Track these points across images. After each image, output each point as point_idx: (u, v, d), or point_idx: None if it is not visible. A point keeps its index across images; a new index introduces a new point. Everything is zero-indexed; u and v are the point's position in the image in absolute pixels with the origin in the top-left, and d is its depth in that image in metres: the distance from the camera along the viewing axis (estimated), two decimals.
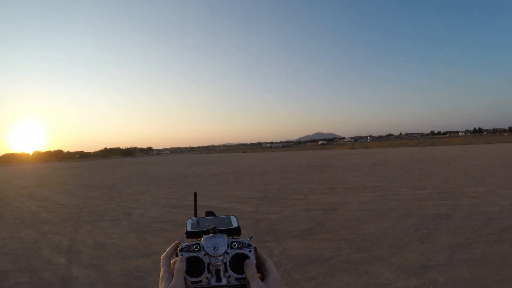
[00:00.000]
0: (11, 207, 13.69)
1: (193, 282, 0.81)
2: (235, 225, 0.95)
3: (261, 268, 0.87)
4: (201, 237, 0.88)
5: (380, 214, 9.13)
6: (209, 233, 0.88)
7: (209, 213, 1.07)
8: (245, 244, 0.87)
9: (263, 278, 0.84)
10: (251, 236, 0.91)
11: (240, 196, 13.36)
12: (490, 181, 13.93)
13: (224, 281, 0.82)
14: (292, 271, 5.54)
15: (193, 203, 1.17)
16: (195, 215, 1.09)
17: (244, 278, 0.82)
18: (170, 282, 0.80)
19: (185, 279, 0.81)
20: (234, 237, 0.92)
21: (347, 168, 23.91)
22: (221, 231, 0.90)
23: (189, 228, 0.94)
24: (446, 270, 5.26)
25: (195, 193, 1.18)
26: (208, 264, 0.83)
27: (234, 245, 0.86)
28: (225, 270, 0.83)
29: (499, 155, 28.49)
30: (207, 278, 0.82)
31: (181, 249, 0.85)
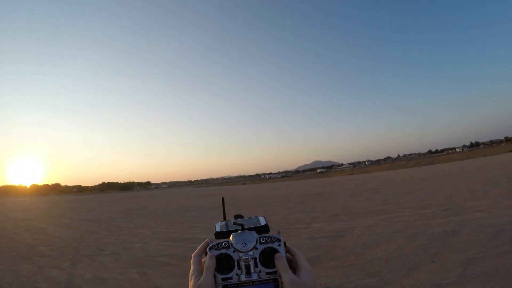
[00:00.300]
0: (8, 239, 13.38)
1: (223, 279, 0.83)
2: (263, 223, 0.99)
3: (291, 262, 0.88)
4: (230, 236, 0.91)
5: (386, 237, 9.00)
6: (237, 231, 0.91)
7: (238, 216, 1.10)
8: (274, 238, 0.88)
9: (294, 271, 0.85)
10: (279, 231, 0.93)
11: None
12: (494, 192, 13.89)
13: (254, 276, 0.83)
14: None
15: (222, 207, 1.20)
16: (224, 218, 1.12)
17: (274, 272, 0.83)
18: (199, 279, 0.82)
19: (215, 276, 0.82)
20: (262, 234, 0.93)
21: (348, 194, 23.78)
22: (249, 229, 0.92)
23: (218, 229, 0.98)
24: (460, 286, 5.14)
25: (223, 198, 1.23)
26: (238, 260, 0.84)
27: (263, 239, 0.88)
28: (255, 265, 0.84)
29: (499, 166, 28.57)
30: (237, 274, 0.83)
31: (210, 248, 0.88)
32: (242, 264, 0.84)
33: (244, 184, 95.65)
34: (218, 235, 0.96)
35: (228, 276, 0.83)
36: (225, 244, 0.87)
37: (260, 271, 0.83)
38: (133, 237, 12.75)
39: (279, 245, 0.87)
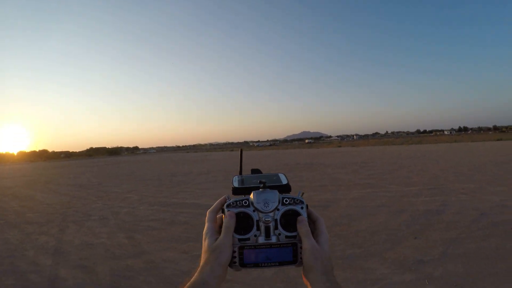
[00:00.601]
0: None
1: (240, 240, 0.78)
2: (284, 182, 0.90)
3: (311, 226, 0.83)
4: (249, 194, 0.84)
5: (371, 210, 9.22)
6: (258, 189, 0.84)
7: (255, 171, 1.04)
8: (297, 200, 0.83)
9: (314, 236, 0.80)
10: (303, 193, 0.87)
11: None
12: (479, 178, 14.20)
13: (273, 239, 0.78)
14: (287, 269, 5.55)
15: (239, 160, 1.12)
16: (240, 172, 1.05)
17: (294, 237, 0.79)
18: (216, 239, 0.78)
19: (232, 236, 0.77)
20: (284, 194, 0.86)
21: (336, 166, 24.07)
22: (271, 187, 0.85)
23: (236, 184, 0.90)
24: (441, 264, 5.34)
25: (241, 150, 1.15)
26: (257, 221, 0.79)
27: (286, 201, 0.82)
28: (275, 228, 0.79)
29: (486, 153, 29.07)
30: (255, 235, 0.78)
31: (228, 205, 0.82)
32: (262, 225, 0.79)
33: (232, 151, 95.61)
34: (237, 191, 0.88)
35: (245, 236, 0.78)
36: (245, 202, 0.81)
37: (279, 234, 0.79)
38: (121, 202, 12.82)
39: (302, 207, 0.82)
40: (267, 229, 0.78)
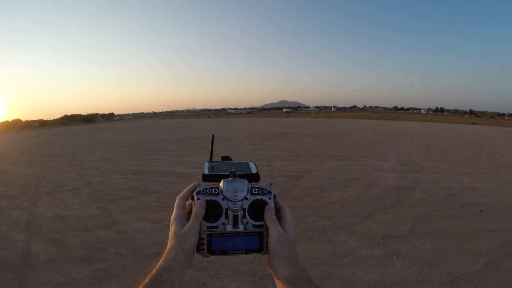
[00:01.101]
0: None
1: (208, 227, 0.80)
2: (254, 170, 0.91)
3: (277, 214, 0.85)
4: (219, 181, 0.85)
5: (344, 183, 9.29)
6: (228, 177, 0.85)
7: (226, 158, 1.05)
8: (266, 190, 0.85)
9: (280, 224, 0.82)
10: (271, 183, 0.89)
11: (203, 162, 13.07)
12: (451, 158, 14.52)
13: (241, 228, 0.81)
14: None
15: (210, 145, 1.11)
16: (211, 158, 1.05)
17: (261, 226, 0.82)
18: (183, 226, 0.79)
19: (200, 224, 0.79)
20: (253, 183, 0.87)
21: (311, 136, 24.17)
22: (241, 176, 0.86)
23: (206, 171, 0.90)
24: (409, 241, 5.43)
25: (213, 136, 1.14)
26: (226, 209, 0.81)
27: (255, 190, 0.84)
28: (243, 216, 0.81)
29: (460, 135, 29.79)
30: (223, 223, 0.80)
31: (198, 192, 0.82)
32: (230, 213, 0.81)
33: (209, 117, 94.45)
34: (206, 178, 0.89)
35: (214, 224, 0.80)
36: (214, 190, 0.82)
37: (247, 223, 0.81)
38: (94, 171, 12.60)
39: (270, 198, 0.84)
40: (235, 217, 0.81)
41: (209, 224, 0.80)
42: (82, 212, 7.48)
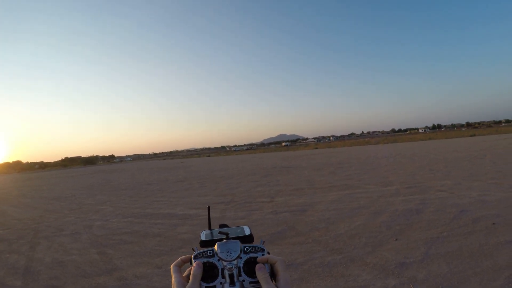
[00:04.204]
0: None
1: (207, 287, 0.83)
2: (247, 233, 1.00)
3: (272, 268, 0.88)
4: (215, 245, 0.91)
5: (350, 213, 9.09)
6: (222, 240, 0.92)
7: (223, 225, 1.10)
8: (258, 248, 0.90)
9: (275, 279, 0.85)
10: (264, 241, 0.95)
11: (205, 202, 13.02)
12: (455, 174, 14.39)
13: (238, 286, 0.83)
14: None
15: (207, 216, 1.19)
16: (209, 227, 1.12)
17: (258, 282, 0.84)
18: (184, 286, 0.82)
19: (200, 284, 0.82)
20: (247, 243, 0.94)
21: (312, 168, 24.05)
22: (234, 238, 0.94)
23: (203, 238, 0.99)
24: (424, 266, 5.20)
25: (208, 207, 1.22)
26: (222, 269, 0.85)
27: (247, 249, 0.89)
28: (239, 275, 0.85)
29: (460, 149, 29.76)
30: (221, 283, 0.83)
31: (195, 256, 0.88)
32: (226, 273, 0.85)
33: (209, 156, 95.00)
34: (203, 243, 0.97)
35: (212, 284, 0.83)
36: (209, 252, 0.88)
37: (243, 280, 0.84)
38: (94, 214, 12.61)
39: (263, 255, 0.88)
40: (231, 276, 0.84)
41: (207, 285, 0.83)
42: (81, 257, 7.36)
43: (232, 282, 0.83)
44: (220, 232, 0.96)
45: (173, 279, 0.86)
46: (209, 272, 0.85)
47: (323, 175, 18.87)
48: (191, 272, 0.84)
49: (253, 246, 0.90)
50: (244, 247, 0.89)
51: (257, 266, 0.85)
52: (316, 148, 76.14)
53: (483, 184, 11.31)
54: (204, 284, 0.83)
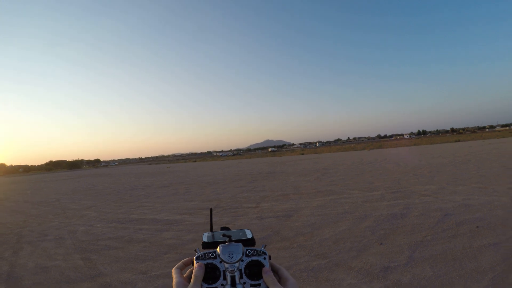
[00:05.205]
0: None
1: None
2: (249, 236, 1.01)
3: (275, 275, 0.89)
4: (217, 247, 0.93)
5: (335, 218, 9.11)
6: (224, 243, 0.93)
7: (224, 228, 1.11)
8: (260, 251, 0.91)
9: (281, 284, 0.86)
10: (265, 245, 0.96)
11: (190, 207, 12.95)
12: (439, 179, 14.60)
13: (239, 287, 0.84)
14: None
15: (209, 218, 1.20)
16: (211, 229, 1.13)
17: (259, 285, 0.85)
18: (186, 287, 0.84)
19: (201, 286, 0.83)
20: (249, 246, 0.95)
21: (298, 173, 24.09)
22: (236, 241, 0.95)
23: (205, 239, 1.00)
24: (409, 269, 5.24)
25: (211, 209, 1.19)
26: (224, 271, 0.86)
27: (249, 252, 0.90)
28: (240, 277, 0.86)
29: (445, 154, 30.24)
30: (222, 284, 0.85)
31: (197, 257, 0.89)
32: (228, 275, 0.86)
33: (195, 161, 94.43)
34: (205, 245, 0.98)
35: (213, 286, 0.84)
36: (212, 254, 0.89)
37: (244, 283, 0.85)
38: (79, 220, 12.49)
39: (264, 258, 0.89)
40: (233, 278, 0.85)
41: (208, 286, 0.84)
42: (65, 263, 7.26)
43: (233, 284, 0.85)
44: (223, 235, 0.97)
45: (174, 280, 0.87)
46: (211, 273, 0.86)
47: (308, 180, 18.92)
48: (193, 273, 0.85)
49: (255, 249, 0.91)
50: (246, 250, 0.91)
51: (264, 269, 0.86)
52: (302, 154, 76.41)
53: (467, 189, 11.50)
54: (205, 285, 0.84)
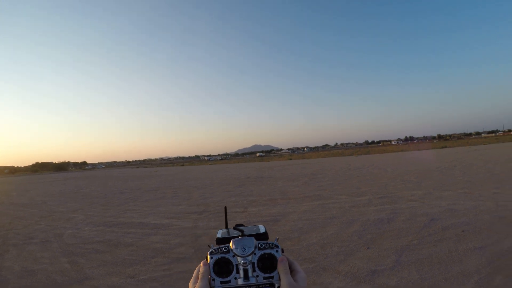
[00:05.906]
0: None
1: (222, 282, 0.86)
2: (262, 230, 1.02)
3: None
4: (230, 242, 0.95)
5: (322, 223, 9.17)
6: (237, 237, 0.95)
7: (239, 225, 1.12)
8: (272, 245, 0.92)
9: (292, 275, 0.87)
10: (277, 238, 0.97)
11: (178, 212, 12.89)
12: (426, 184, 14.80)
13: (252, 280, 0.86)
14: None
15: (224, 215, 1.20)
16: (226, 226, 1.14)
17: (272, 277, 0.87)
18: (195, 285, 0.85)
19: (214, 279, 0.86)
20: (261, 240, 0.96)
21: (286, 178, 24.15)
22: (249, 236, 0.96)
23: (219, 235, 1.01)
24: (395, 273, 5.29)
25: (225, 207, 1.22)
26: (237, 265, 0.88)
27: (261, 245, 0.91)
28: (253, 270, 0.87)
29: (432, 160, 30.68)
30: (235, 278, 0.86)
31: (211, 252, 0.90)
32: (241, 268, 0.87)
33: (183, 165, 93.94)
34: (220, 241, 0.99)
35: (227, 279, 0.86)
36: (225, 249, 0.91)
37: (257, 276, 0.87)
38: (65, 223, 12.35)
39: (277, 251, 0.90)
40: (246, 271, 0.87)
41: (222, 279, 0.85)
42: (51, 266, 7.19)
43: (246, 277, 0.86)
44: (235, 229, 1.00)
45: (192, 279, 0.89)
46: (224, 267, 0.87)
47: (296, 185, 18.98)
48: (200, 272, 0.87)
49: (267, 243, 0.92)
50: (259, 243, 0.92)
51: (280, 258, 0.87)
52: (290, 159, 76.62)
53: (453, 194, 11.69)
54: (218, 279, 0.86)
